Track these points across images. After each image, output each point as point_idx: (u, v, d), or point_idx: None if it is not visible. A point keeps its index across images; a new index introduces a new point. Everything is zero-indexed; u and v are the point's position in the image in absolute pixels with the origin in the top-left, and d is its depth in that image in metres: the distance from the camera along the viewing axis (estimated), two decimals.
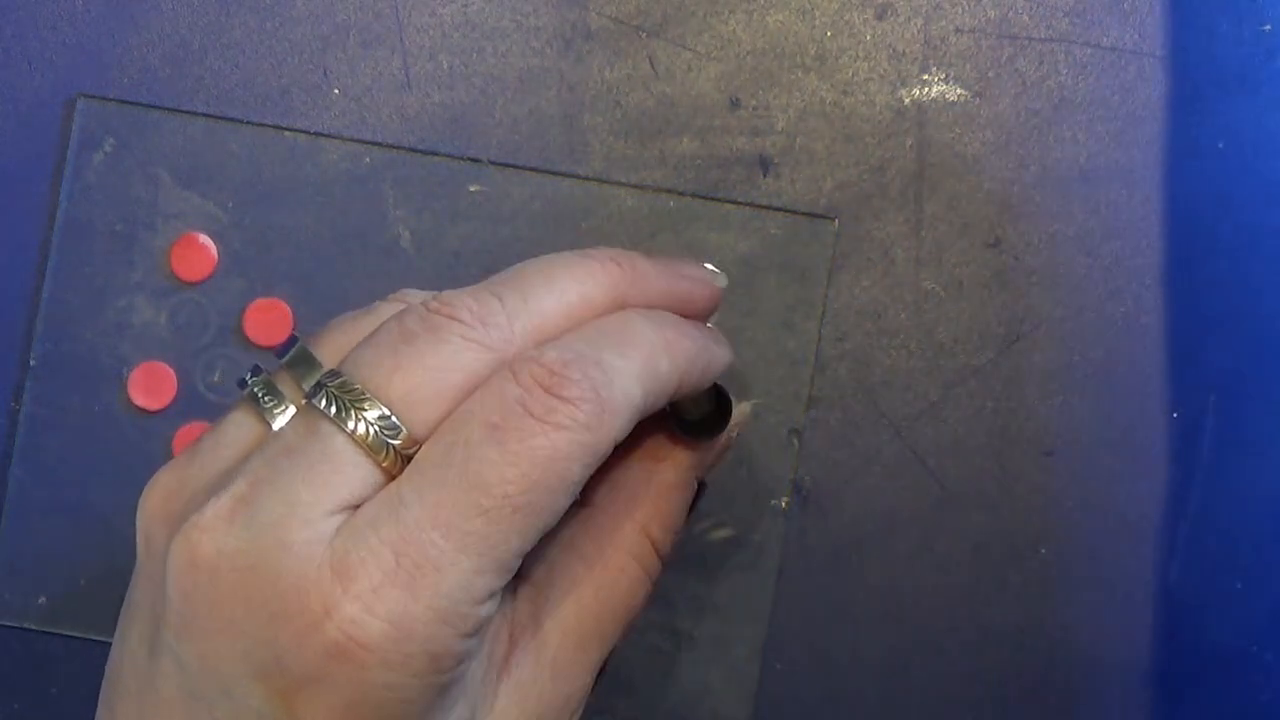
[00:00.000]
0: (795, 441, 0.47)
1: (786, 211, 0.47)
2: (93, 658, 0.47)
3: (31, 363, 0.47)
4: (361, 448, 0.34)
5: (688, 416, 0.41)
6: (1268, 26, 0.47)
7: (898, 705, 0.46)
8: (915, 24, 0.47)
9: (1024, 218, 0.47)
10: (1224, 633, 0.46)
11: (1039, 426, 0.44)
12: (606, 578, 0.38)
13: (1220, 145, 0.47)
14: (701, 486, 0.41)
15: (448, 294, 0.36)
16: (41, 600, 0.47)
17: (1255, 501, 0.46)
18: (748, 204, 0.47)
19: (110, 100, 0.48)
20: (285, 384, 0.37)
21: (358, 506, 0.34)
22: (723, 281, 0.40)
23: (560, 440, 0.34)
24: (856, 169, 0.47)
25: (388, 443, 0.34)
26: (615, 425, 0.35)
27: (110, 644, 0.46)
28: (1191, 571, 0.46)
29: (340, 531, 0.34)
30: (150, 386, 0.47)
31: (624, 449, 0.39)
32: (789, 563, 0.46)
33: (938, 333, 0.46)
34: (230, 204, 0.47)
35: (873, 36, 0.47)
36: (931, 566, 0.46)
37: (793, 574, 0.46)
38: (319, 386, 0.35)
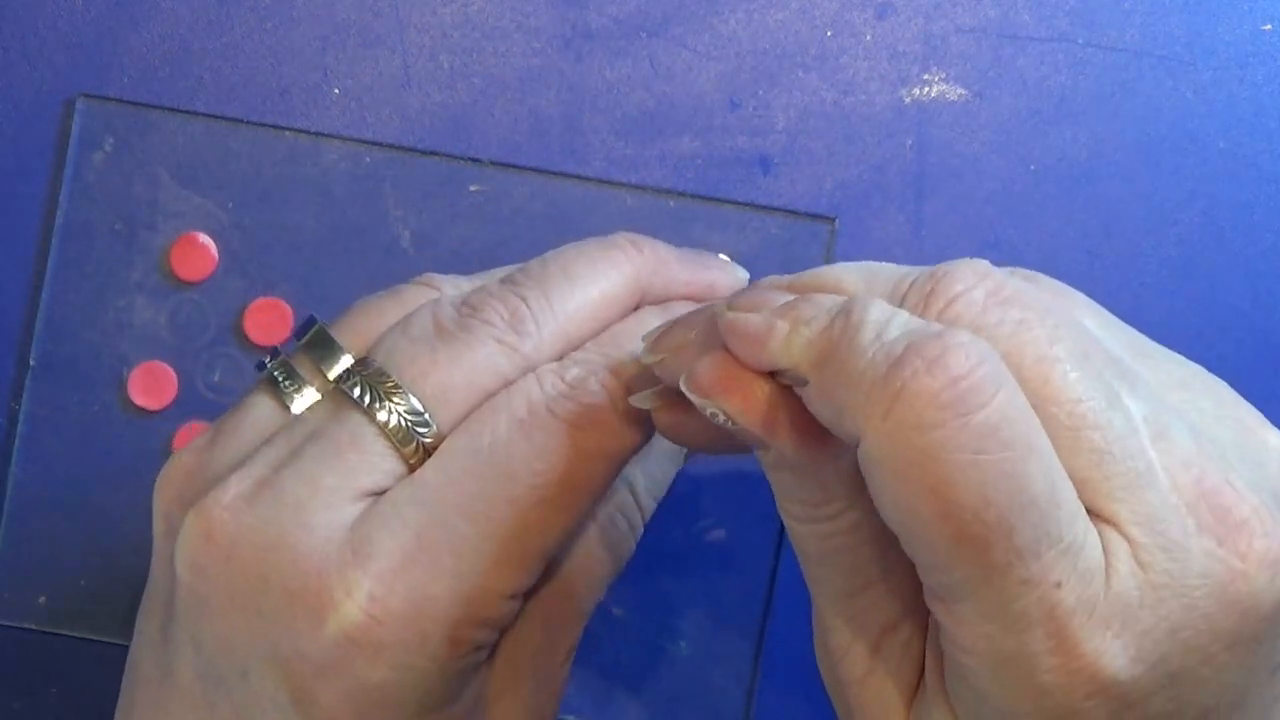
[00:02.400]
0: None
1: (786, 212, 0.47)
2: (93, 658, 0.47)
3: (31, 362, 0.47)
4: (389, 438, 0.34)
5: None
6: (1268, 26, 0.47)
7: None
8: (915, 24, 0.47)
9: (1024, 218, 0.47)
10: None
11: None
12: (598, 535, 0.38)
13: (1220, 145, 0.47)
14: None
15: (477, 294, 0.37)
16: (41, 600, 0.47)
17: None
18: (747, 204, 0.47)
19: (110, 100, 0.47)
20: (304, 367, 0.37)
21: (379, 495, 0.34)
22: (743, 274, 0.40)
23: (589, 440, 0.34)
24: (856, 169, 0.47)
25: (417, 436, 0.34)
26: (637, 434, 0.35)
27: (111, 644, 0.47)
28: None
29: (362, 515, 0.34)
30: (150, 386, 0.47)
31: None
32: (786, 563, 0.46)
33: None
34: (230, 204, 0.47)
35: (873, 36, 0.47)
36: None
37: (790, 574, 0.46)
38: (350, 373, 0.35)
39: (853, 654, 0.35)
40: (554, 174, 0.47)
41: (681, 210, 0.47)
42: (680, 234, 0.47)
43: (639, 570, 0.46)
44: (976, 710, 0.32)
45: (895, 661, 0.34)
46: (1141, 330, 0.44)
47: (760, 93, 0.47)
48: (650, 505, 0.40)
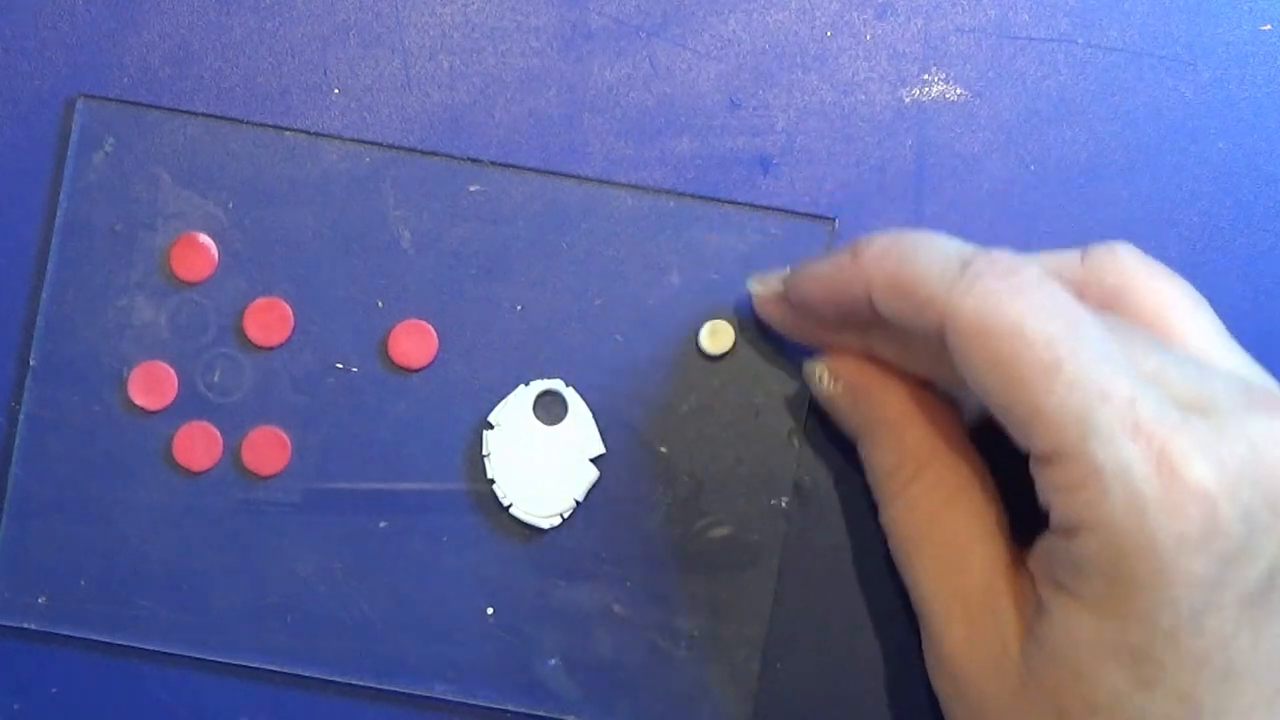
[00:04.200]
0: (795, 442, 0.47)
1: (786, 212, 0.47)
2: (93, 658, 0.47)
3: (31, 362, 0.47)
4: None
5: None
6: (1268, 26, 0.47)
7: (898, 705, 0.46)
8: (915, 24, 0.47)
9: (1024, 218, 0.47)
10: None
11: None
12: None
13: (1220, 145, 0.47)
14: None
15: None
16: (41, 600, 0.47)
17: None
18: (747, 204, 0.47)
19: (110, 100, 0.47)
20: None
21: None
22: None
23: None
24: (856, 169, 0.47)
25: None
26: None
27: (111, 644, 0.47)
28: None
29: None
30: (150, 386, 0.47)
31: None
32: (789, 562, 0.46)
33: None
34: (230, 204, 0.47)
35: (873, 36, 0.47)
36: None
37: (793, 573, 0.46)
38: None
39: (954, 627, 0.40)
40: (554, 174, 0.47)
41: (681, 211, 0.47)
42: (680, 235, 0.47)
43: (640, 569, 0.46)
44: (1104, 579, 0.36)
45: (998, 616, 0.39)
46: None
47: (760, 93, 0.47)
48: None
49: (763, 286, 0.45)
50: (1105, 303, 0.40)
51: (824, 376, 0.44)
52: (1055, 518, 0.37)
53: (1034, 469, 0.37)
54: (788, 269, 0.44)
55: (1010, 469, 0.40)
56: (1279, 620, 0.36)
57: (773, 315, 0.45)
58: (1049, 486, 0.36)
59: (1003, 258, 0.37)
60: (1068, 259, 0.41)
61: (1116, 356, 0.36)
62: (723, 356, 0.47)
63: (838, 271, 0.41)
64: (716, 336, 0.46)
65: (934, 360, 0.41)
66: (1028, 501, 0.38)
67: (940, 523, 0.41)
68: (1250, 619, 0.35)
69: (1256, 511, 0.35)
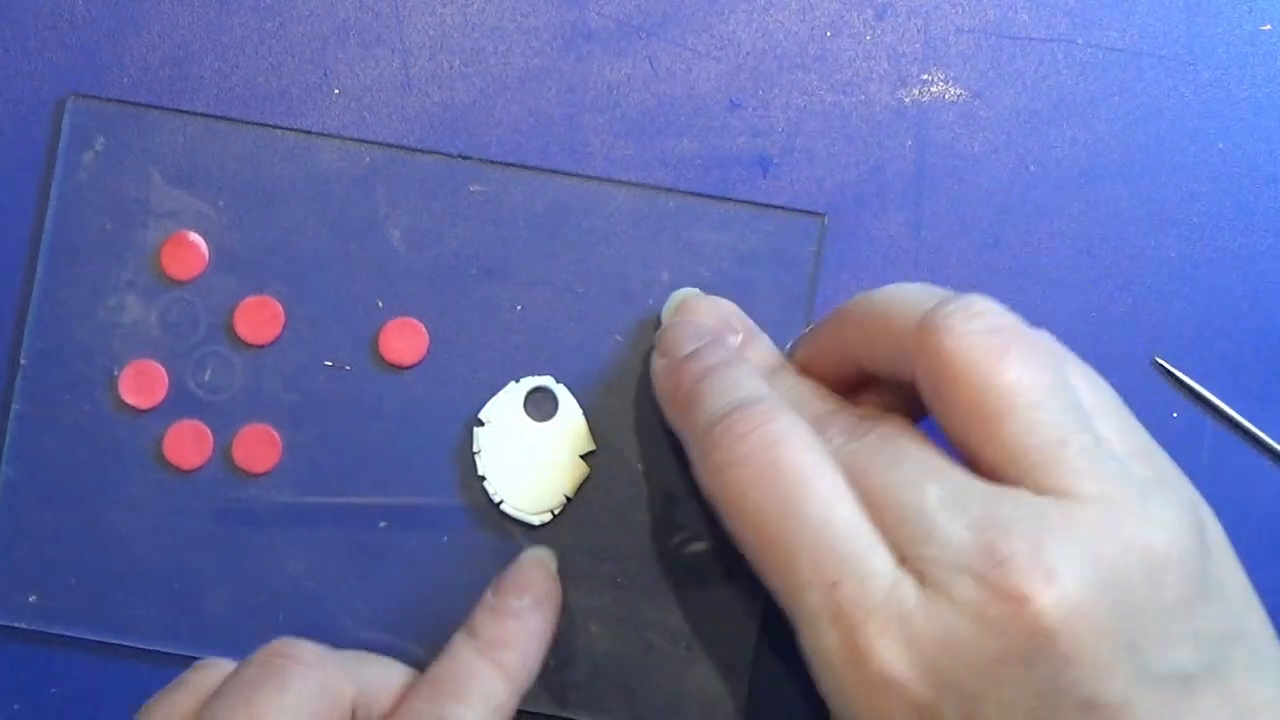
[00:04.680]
0: None
1: (777, 208, 0.47)
2: (85, 656, 0.47)
3: (22, 361, 0.47)
4: None
5: None
6: (1268, 26, 0.47)
7: None
8: (915, 24, 0.47)
9: (1024, 218, 0.47)
10: None
11: None
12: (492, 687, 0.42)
13: (1220, 145, 0.47)
14: None
15: (285, 640, 0.40)
16: (33, 599, 0.46)
17: (1255, 502, 0.46)
18: (747, 203, 0.47)
19: (101, 99, 0.47)
20: None
21: None
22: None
23: None
24: (856, 169, 0.47)
25: None
26: None
27: (105, 643, 0.46)
28: None
29: None
30: (141, 385, 0.47)
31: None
32: None
33: None
34: (221, 202, 0.47)
35: (873, 36, 0.48)
36: None
37: None
38: None
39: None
40: (554, 173, 0.47)
41: (681, 209, 0.47)
42: (679, 234, 0.47)
43: (631, 566, 0.46)
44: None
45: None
46: (1142, 330, 0.44)
47: (760, 93, 0.48)
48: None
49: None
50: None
51: None
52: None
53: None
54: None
55: None
56: None
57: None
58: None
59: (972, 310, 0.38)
60: (904, 319, 0.40)
61: (837, 527, 0.36)
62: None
63: (828, 341, 0.43)
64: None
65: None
66: None
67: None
68: None
69: (963, 682, 0.35)
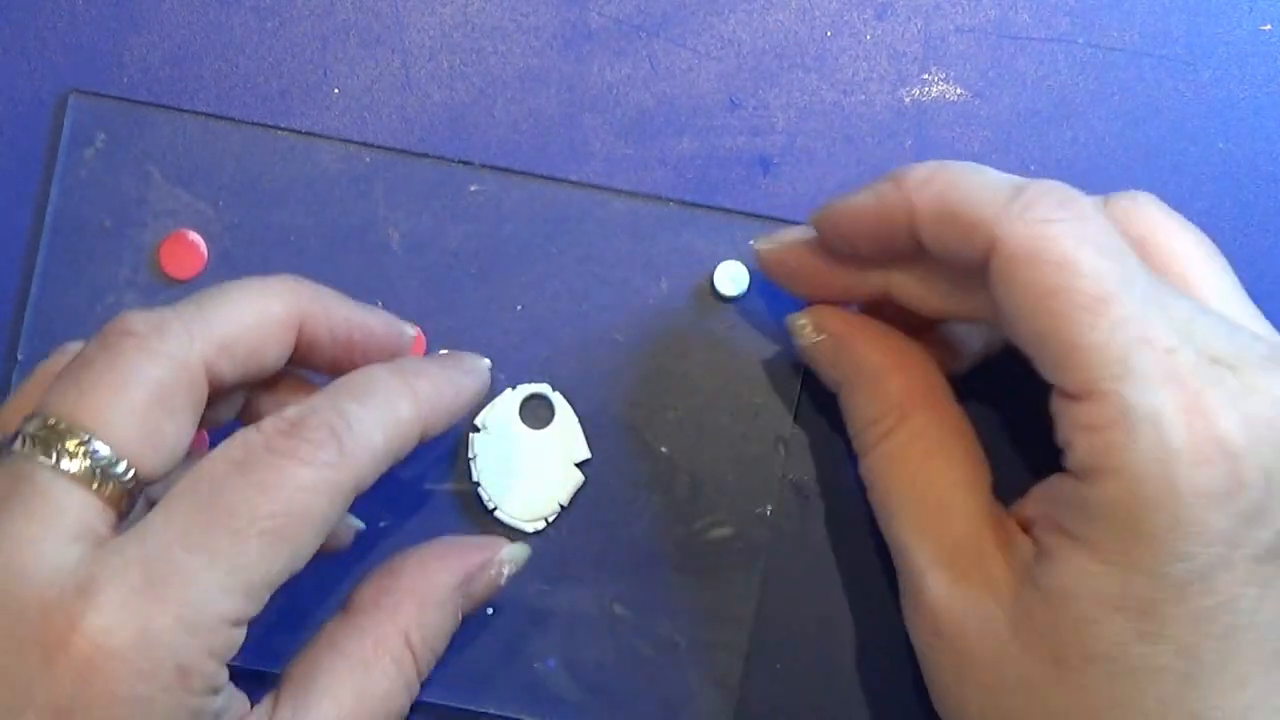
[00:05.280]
0: (782, 450, 0.46)
1: (779, 220, 0.47)
2: None
3: (19, 358, 0.47)
4: (71, 478, 0.35)
5: None
6: (1268, 26, 0.47)
7: (882, 709, 0.46)
8: (915, 24, 0.48)
9: None
10: None
11: (1039, 426, 0.44)
12: (368, 680, 0.39)
13: (1220, 145, 0.47)
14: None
15: (125, 313, 0.37)
16: None
17: None
18: (742, 212, 0.47)
19: (102, 96, 0.47)
20: None
21: (100, 542, 0.35)
22: (412, 331, 0.43)
23: (304, 473, 0.35)
24: (856, 169, 0.47)
25: (99, 468, 0.35)
26: (358, 465, 0.36)
27: None
28: None
29: (84, 558, 0.34)
30: None
31: (396, 561, 0.42)
32: (774, 568, 0.46)
33: (936, 331, 0.46)
34: (220, 202, 0.47)
35: (873, 36, 0.48)
36: None
37: (777, 578, 0.46)
38: (17, 434, 0.35)
39: (936, 577, 0.39)
40: (550, 179, 0.47)
41: (677, 216, 0.47)
42: (675, 239, 0.47)
43: (624, 574, 0.46)
44: (1118, 526, 0.35)
45: (984, 565, 0.39)
46: None
47: (760, 93, 0.48)
48: (428, 657, 0.41)
49: (770, 243, 0.44)
50: None
51: (808, 328, 0.44)
52: (1075, 458, 0.36)
53: (1058, 406, 0.37)
54: (790, 232, 0.44)
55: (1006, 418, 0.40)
56: None
57: (782, 268, 0.44)
58: (1074, 425, 0.36)
59: (1057, 187, 0.37)
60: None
61: (1159, 302, 0.36)
62: (736, 298, 0.46)
63: (879, 200, 0.40)
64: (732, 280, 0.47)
65: (959, 294, 0.41)
66: (1018, 454, 0.38)
67: (922, 473, 0.41)
68: (1259, 579, 0.35)
69: (1276, 472, 0.35)
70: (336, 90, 0.48)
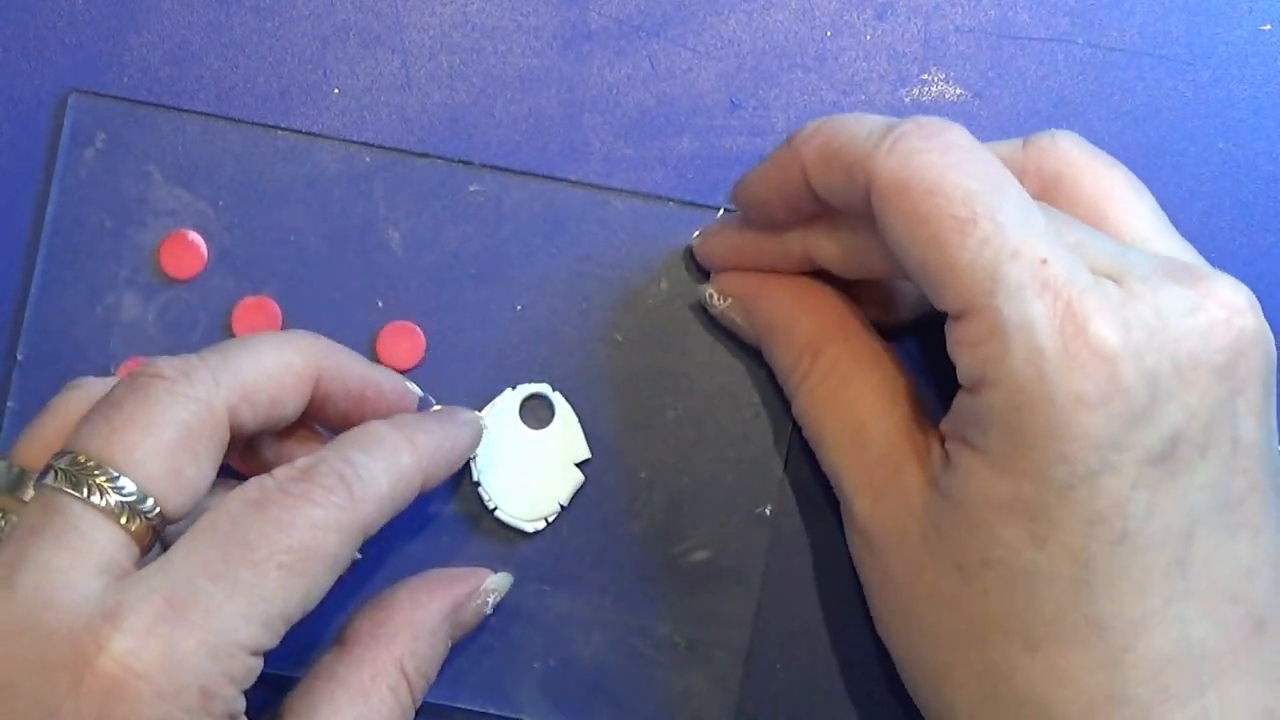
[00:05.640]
0: (781, 451, 0.46)
1: None
2: None
3: (19, 357, 0.47)
4: (101, 512, 0.36)
5: None
6: (1268, 26, 0.47)
7: (881, 711, 0.46)
8: (915, 24, 0.48)
9: None
10: None
11: None
12: (367, 709, 0.41)
13: (1220, 145, 0.47)
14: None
15: (155, 358, 0.39)
16: None
17: None
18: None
19: (102, 96, 0.47)
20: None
21: (123, 574, 0.36)
22: (414, 391, 0.45)
23: (317, 513, 0.37)
24: None
25: (126, 504, 0.36)
26: (366, 509, 0.38)
27: None
28: None
29: (109, 587, 0.35)
30: None
31: (388, 595, 0.43)
32: (772, 570, 0.46)
33: (937, 331, 0.45)
34: (220, 202, 0.47)
35: (873, 36, 0.48)
36: None
37: (776, 581, 0.46)
38: (48, 469, 0.37)
39: (861, 497, 0.41)
40: (551, 179, 0.47)
41: (677, 216, 0.47)
42: (674, 239, 0.47)
43: (624, 575, 0.46)
44: (1004, 433, 0.36)
45: (901, 480, 0.40)
46: None
47: (760, 93, 0.48)
48: (421, 684, 0.43)
49: (701, 234, 0.46)
50: (1045, 188, 0.41)
51: (714, 296, 0.45)
52: (962, 373, 0.37)
53: (947, 327, 0.38)
54: (719, 219, 0.46)
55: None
56: (1178, 488, 0.36)
57: (715, 251, 0.46)
58: (957, 342, 0.37)
59: (930, 121, 0.38)
60: (1009, 146, 0.42)
61: (1035, 220, 0.36)
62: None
63: (776, 163, 0.41)
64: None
65: (870, 249, 0.41)
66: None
67: (839, 401, 0.42)
68: (1148, 483, 0.35)
69: (1161, 376, 0.35)
70: (336, 90, 0.48)
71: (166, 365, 0.39)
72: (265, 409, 0.40)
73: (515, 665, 0.46)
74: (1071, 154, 0.41)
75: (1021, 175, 0.41)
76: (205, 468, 0.38)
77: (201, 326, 0.47)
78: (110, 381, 0.40)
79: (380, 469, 0.39)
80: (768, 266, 0.44)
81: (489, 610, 0.45)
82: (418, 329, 0.47)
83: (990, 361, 0.36)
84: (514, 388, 0.47)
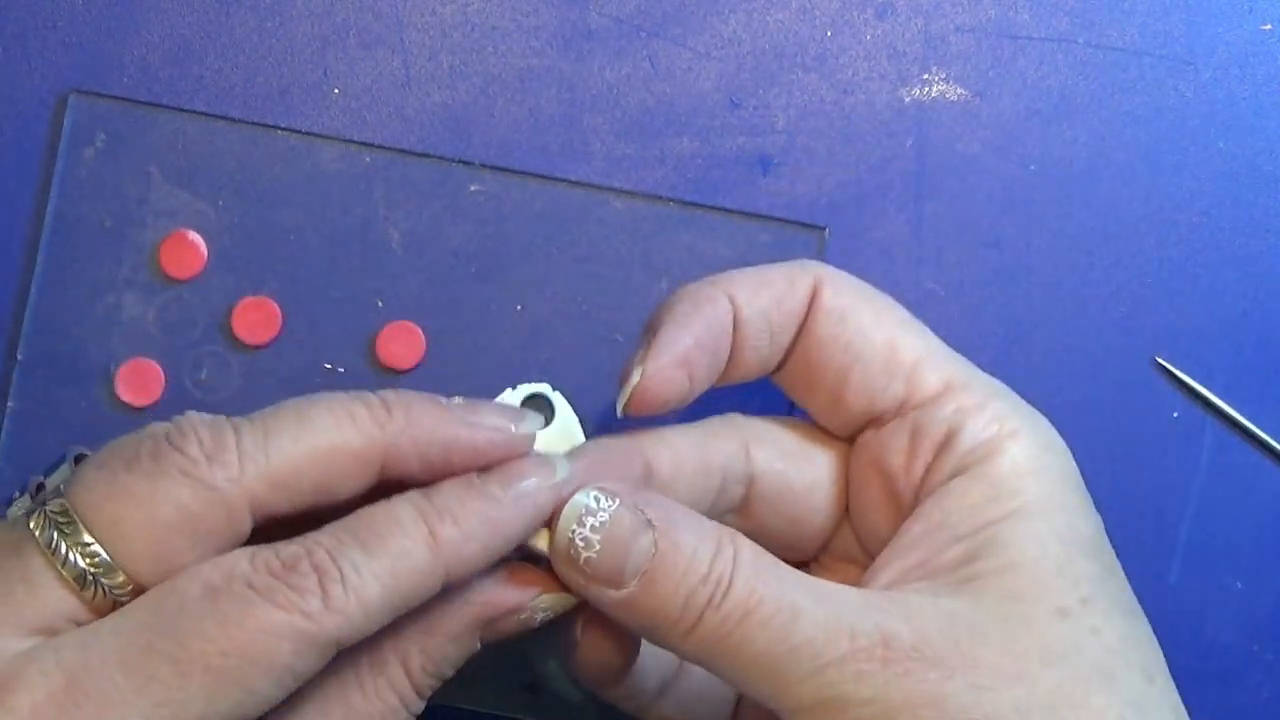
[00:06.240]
0: None
1: (779, 220, 0.47)
2: None
3: (19, 357, 0.47)
4: (61, 576, 0.33)
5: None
6: (1268, 26, 0.47)
7: None
8: (915, 24, 0.48)
9: (1024, 218, 0.47)
10: (1224, 632, 0.46)
11: None
12: (362, 700, 0.37)
13: (1220, 145, 0.47)
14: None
15: (189, 420, 0.35)
16: None
17: (1255, 502, 0.46)
18: (742, 212, 0.47)
19: (102, 96, 0.47)
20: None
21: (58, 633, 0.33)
22: (532, 427, 0.39)
23: (275, 617, 0.33)
24: (856, 169, 0.47)
25: (99, 582, 0.33)
26: (342, 620, 0.33)
27: None
28: (1191, 571, 0.46)
29: (23, 653, 0.33)
30: (137, 383, 0.47)
31: None
32: None
33: (938, 332, 0.45)
34: (220, 202, 0.47)
35: (873, 36, 0.48)
36: None
37: None
38: (39, 507, 0.34)
39: None
40: (550, 179, 0.47)
41: (676, 216, 0.47)
42: (673, 240, 0.47)
43: None
44: None
45: None
46: (1142, 330, 0.44)
47: (760, 93, 0.48)
48: (429, 684, 0.38)
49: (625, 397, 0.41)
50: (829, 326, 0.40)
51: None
52: None
53: None
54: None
55: None
56: None
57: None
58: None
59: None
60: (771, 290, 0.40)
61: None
62: None
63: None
64: None
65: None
66: None
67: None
68: None
69: None
70: (336, 90, 0.48)
71: (195, 438, 0.34)
72: (308, 495, 0.35)
73: (515, 665, 0.46)
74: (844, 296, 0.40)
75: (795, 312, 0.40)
76: (202, 553, 0.34)
77: (201, 326, 0.47)
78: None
79: (376, 571, 0.34)
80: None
81: (536, 624, 0.39)
82: (418, 329, 0.47)
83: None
84: (514, 388, 0.46)
